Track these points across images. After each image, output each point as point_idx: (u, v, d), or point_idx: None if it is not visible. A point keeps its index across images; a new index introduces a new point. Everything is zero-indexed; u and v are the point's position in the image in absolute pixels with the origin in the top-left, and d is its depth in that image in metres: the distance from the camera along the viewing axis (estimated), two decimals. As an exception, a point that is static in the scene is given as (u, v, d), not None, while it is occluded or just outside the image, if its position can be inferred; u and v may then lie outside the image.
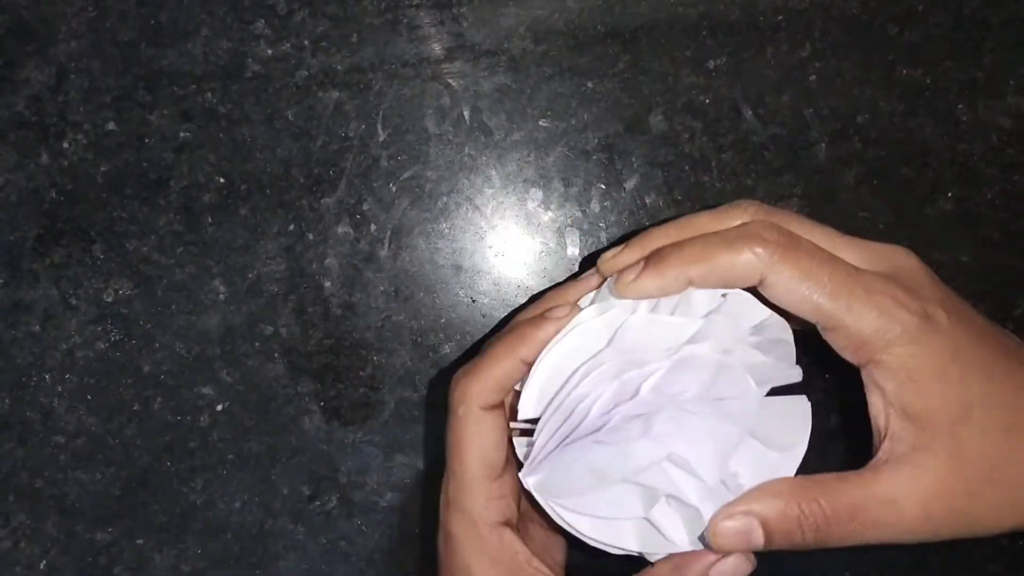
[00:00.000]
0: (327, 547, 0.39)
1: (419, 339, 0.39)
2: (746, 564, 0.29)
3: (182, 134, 0.38)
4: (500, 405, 0.31)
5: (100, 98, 0.38)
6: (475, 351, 0.35)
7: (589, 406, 0.28)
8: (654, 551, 0.30)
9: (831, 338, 0.29)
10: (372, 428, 0.39)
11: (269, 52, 0.38)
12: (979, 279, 0.39)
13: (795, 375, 0.30)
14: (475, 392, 0.30)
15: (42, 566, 0.38)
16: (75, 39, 0.38)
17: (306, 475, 0.39)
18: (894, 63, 0.39)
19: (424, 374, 0.39)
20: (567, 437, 0.29)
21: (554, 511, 0.29)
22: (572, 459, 0.29)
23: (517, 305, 0.39)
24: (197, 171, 0.38)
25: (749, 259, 0.28)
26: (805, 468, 0.29)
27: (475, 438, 0.30)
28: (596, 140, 0.38)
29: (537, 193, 0.39)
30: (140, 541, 0.38)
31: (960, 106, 0.39)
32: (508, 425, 0.31)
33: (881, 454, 0.29)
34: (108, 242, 0.38)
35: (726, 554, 0.28)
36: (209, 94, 0.38)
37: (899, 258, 0.30)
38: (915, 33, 0.39)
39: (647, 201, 0.39)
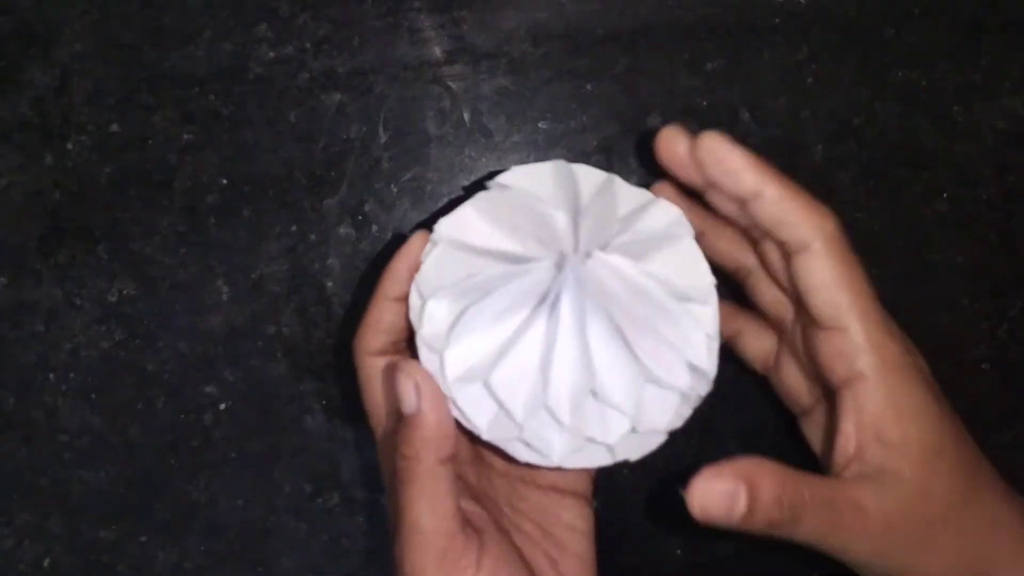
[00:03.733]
0: (329, 544, 0.39)
1: (420, 339, 0.39)
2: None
3: (185, 136, 0.38)
4: (391, 349, 0.31)
5: (104, 100, 0.38)
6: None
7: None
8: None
9: (824, 341, 0.30)
10: (373, 427, 0.39)
11: (271, 55, 0.38)
12: (974, 280, 0.40)
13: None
14: (358, 344, 0.31)
15: (45, 564, 0.38)
16: (78, 41, 0.38)
17: (308, 473, 0.39)
18: (890, 65, 0.39)
19: (425, 373, 0.39)
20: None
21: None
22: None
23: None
24: (200, 172, 0.38)
25: (819, 218, 0.29)
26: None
27: (368, 384, 0.31)
28: (595, 142, 0.39)
29: (537, 194, 0.39)
30: (143, 539, 0.39)
31: (956, 108, 0.40)
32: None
33: (847, 472, 0.29)
34: (112, 243, 0.38)
35: (704, 518, 0.27)
36: (212, 96, 0.38)
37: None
38: (911, 35, 0.39)
39: (645, 202, 0.39)
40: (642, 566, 0.39)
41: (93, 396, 0.38)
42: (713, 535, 0.40)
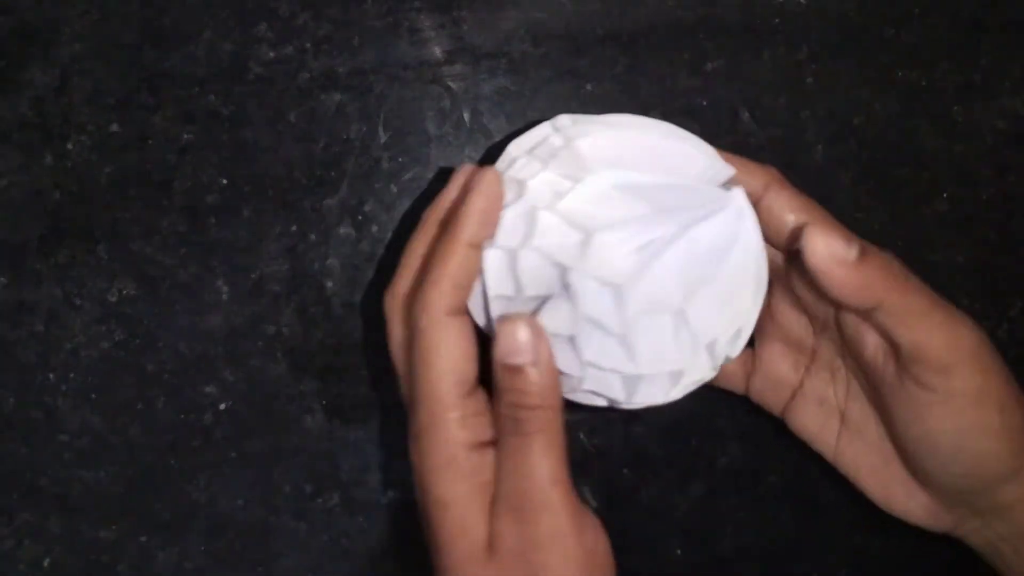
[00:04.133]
0: (329, 544, 0.39)
1: (420, 339, 0.39)
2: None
3: (185, 136, 0.38)
4: (464, 309, 0.28)
5: (104, 100, 0.38)
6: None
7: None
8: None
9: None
10: (373, 427, 0.39)
11: (271, 55, 0.38)
12: (974, 279, 0.40)
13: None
14: (433, 302, 0.27)
15: (46, 564, 0.38)
16: (78, 41, 0.38)
17: (308, 473, 0.39)
18: (890, 65, 0.39)
19: (425, 373, 0.39)
20: None
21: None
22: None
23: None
24: (200, 172, 0.38)
25: (764, 170, 0.31)
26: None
27: (444, 349, 0.27)
28: (595, 142, 0.39)
29: (537, 194, 0.39)
30: (143, 539, 0.39)
31: (956, 108, 0.40)
32: (473, 330, 0.29)
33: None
34: (112, 243, 0.38)
35: (823, 256, 0.28)
36: (212, 96, 0.38)
37: None
38: (911, 35, 0.39)
39: (645, 202, 0.39)
40: (642, 566, 0.39)
41: (93, 396, 0.38)
42: (713, 535, 0.40)
